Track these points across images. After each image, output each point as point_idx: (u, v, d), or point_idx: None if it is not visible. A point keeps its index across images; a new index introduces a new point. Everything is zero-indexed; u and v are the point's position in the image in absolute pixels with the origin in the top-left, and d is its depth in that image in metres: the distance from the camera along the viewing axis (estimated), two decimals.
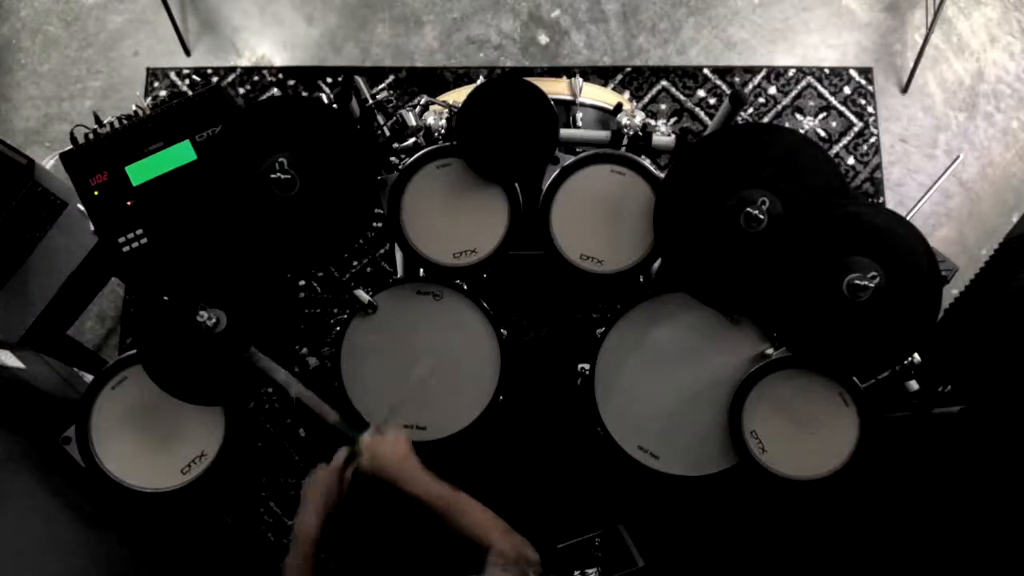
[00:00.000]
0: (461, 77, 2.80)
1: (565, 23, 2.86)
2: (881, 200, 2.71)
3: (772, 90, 2.79)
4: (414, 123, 1.72)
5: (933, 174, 2.71)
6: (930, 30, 2.67)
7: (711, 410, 1.69)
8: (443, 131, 1.74)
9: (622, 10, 2.87)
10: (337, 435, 1.51)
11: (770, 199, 1.51)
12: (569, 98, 1.94)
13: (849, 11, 2.87)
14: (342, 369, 1.73)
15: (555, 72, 2.79)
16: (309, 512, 1.45)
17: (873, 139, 2.75)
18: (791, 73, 2.80)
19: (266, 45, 2.86)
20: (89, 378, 2.18)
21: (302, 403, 1.52)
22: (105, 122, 1.72)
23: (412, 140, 1.82)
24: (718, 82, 2.79)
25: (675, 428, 1.71)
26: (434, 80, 2.80)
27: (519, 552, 1.36)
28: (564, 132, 1.77)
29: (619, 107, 1.86)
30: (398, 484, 1.44)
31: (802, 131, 2.72)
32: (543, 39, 2.85)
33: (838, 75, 2.80)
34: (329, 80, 2.80)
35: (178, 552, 2.19)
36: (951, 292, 2.24)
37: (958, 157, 2.10)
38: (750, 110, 2.78)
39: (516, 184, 1.67)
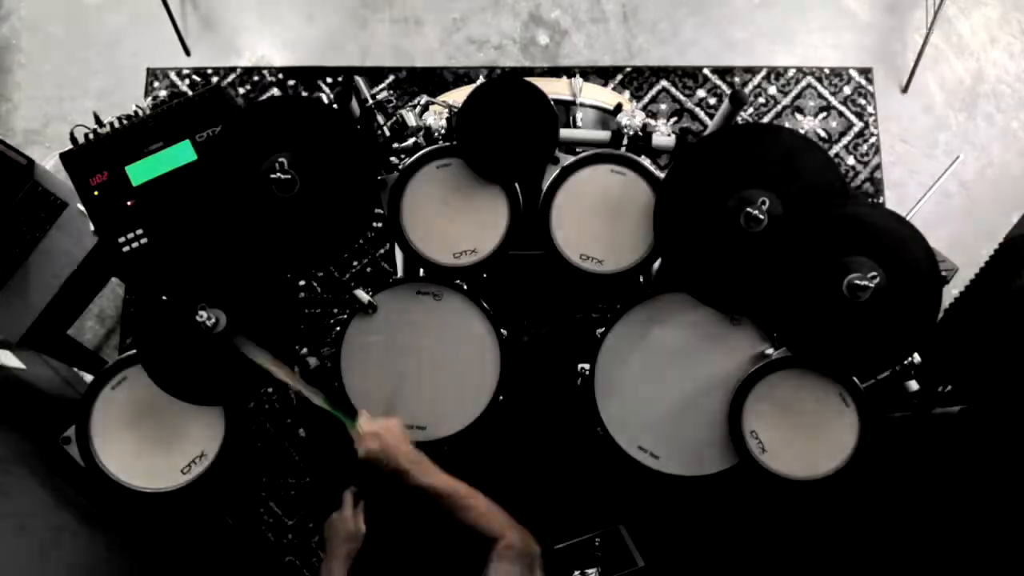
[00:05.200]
0: (461, 77, 2.80)
1: (565, 23, 2.86)
2: (881, 200, 2.71)
3: (772, 90, 2.79)
4: (414, 123, 1.72)
5: (933, 174, 2.69)
6: (930, 30, 2.67)
7: (711, 410, 1.69)
8: (443, 131, 1.74)
9: (622, 10, 2.87)
10: (336, 425, 1.50)
11: (770, 199, 1.51)
12: (569, 98, 1.94)
13: (849, 11, 2.87)
14: (342, 369, 1.73)
15: (555, 72, 2.79)
16: (337, 566, 1.46)
17: (873, 139, 2.75)
18: (791, 73, 2.80)
19: (266, 45, 2.86)
20: (89, 378, 2.19)
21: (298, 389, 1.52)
22: (105, 122, 1.72)
23: (412, 140, 1.82)
24: (718, 82, 2.79)
25: (675, 428, 1.71)
26: (434, 80, 2.80)
27: (526, 544, 1.36)
28: (564, 132, 1.77)
29: (619, 107, 1.86)
30: (404, 474, 1.42)
31: (802, 131, 2.72)
32: (543, 39, 2.85)
33: (838, 75, 2.80)
34: (329, 80, 2.80)
35: (178, 552, 2.19)
36: (951, 292, 2.24)
37: (958, 157, 2.09)
38: (750, 110, 2.77)
39: (516, 184, 1.67)
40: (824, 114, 2.77)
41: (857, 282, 1.44)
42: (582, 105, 1.94)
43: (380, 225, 2.66)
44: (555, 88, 1.92)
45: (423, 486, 1.41)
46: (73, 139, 1.71)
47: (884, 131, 2.76)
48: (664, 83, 2.79)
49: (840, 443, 1.62)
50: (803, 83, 2.79)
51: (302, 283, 2.63)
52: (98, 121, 1.72)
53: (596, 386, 1.72)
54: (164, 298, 1.58)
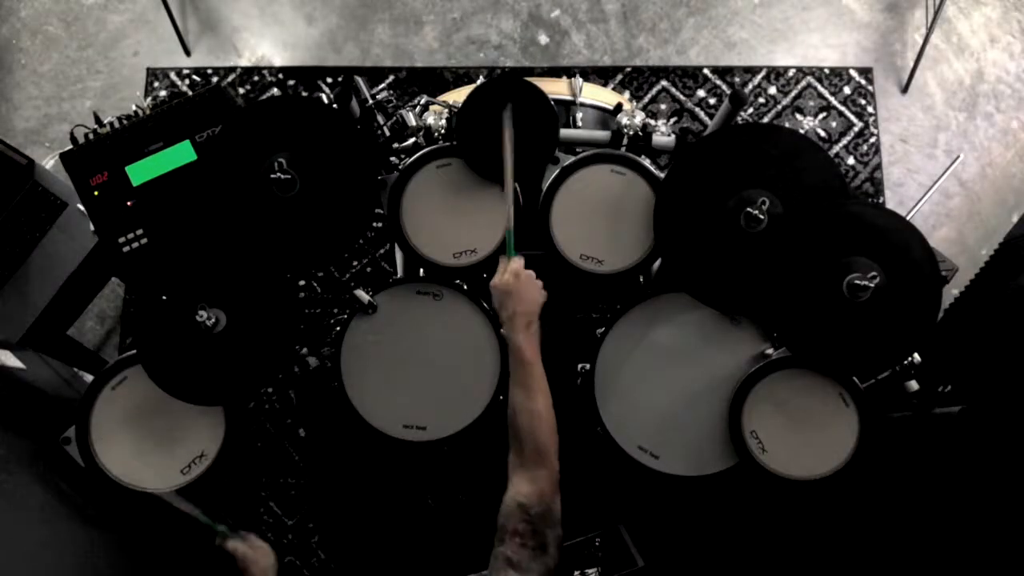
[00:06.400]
0: (461, 77, 2.80)
1: (565, 23, 2.86)
2: (881, 200, 2.71)
3: (772, 90, 2.79)
4: (414, 123, 1.72)
5: (933, 174, 2.71)
6: (930, 30, 2.67)
7: (711, 410, 1.68)
8: (443, 131, 1.74)
9: (622, 10, 2.87)
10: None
11: (770, 199, 1.51)
12: (569, 98, 1.94)
13: (849, 11, 2.87)
14: (342, 369, 1.72)
15: (555, 72, 2.79)
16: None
17: (873, 139, 2.75)
18: (791, 73, 2.80)
19: (266, 45, 2.86)
20: (89, 378, 2.19)
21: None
22: (105, 122, 1.72)
23: (412, 140, 1.82)
24: (718, 82, 2.79)
25: (675, 428, 1.71)
26: (434, 80, 2.80)
27: (545, 505, 1.27)
28: (564, 132, 1.77)
29: (619, 107, 1.86)
30: (509, 320, 1.43)
31: (802, 131, 2.72)
32: (543, 39, 2.85)
33: (838, 75, 2.80)
34: (329, 80, 2.80)
35: (178, 552, 2.19)
36: (951, 292, 2.24)
37: (958, 157, 2.10)
38: (750, 110, 2.77)
39: (516, 184, 1.67)
40: (824, 114, 2.77)
41: (857, 282, 1.44)
42: (582, 105, 1.94)
43: (380, 225, 2.66)
44: (555, 88, 1.92)
45: (514, 344, 1.41)
46: (73, 139, 1.71)
47: (884, 131, 2.76)
48: (664, 83, 2.79)
49: (840, 443, 1.61)
50: (803, 83, 2.79)
51: (302, 283, 2.63)
52: (98, 121, 1.72)
53: (596, 386, 1.72)
54: (164, 298, 1.58)
